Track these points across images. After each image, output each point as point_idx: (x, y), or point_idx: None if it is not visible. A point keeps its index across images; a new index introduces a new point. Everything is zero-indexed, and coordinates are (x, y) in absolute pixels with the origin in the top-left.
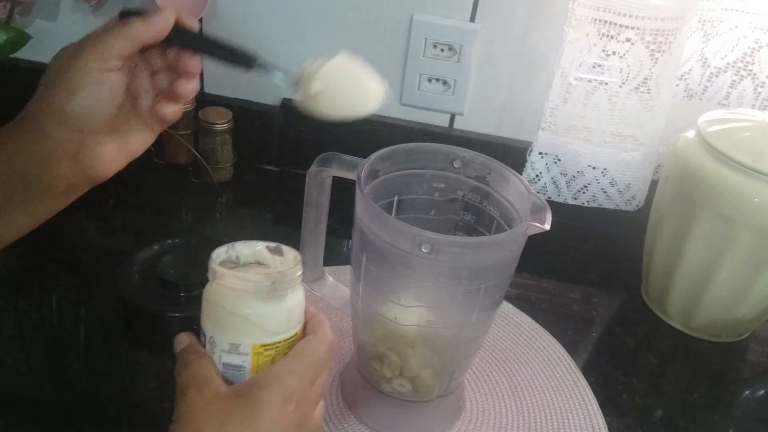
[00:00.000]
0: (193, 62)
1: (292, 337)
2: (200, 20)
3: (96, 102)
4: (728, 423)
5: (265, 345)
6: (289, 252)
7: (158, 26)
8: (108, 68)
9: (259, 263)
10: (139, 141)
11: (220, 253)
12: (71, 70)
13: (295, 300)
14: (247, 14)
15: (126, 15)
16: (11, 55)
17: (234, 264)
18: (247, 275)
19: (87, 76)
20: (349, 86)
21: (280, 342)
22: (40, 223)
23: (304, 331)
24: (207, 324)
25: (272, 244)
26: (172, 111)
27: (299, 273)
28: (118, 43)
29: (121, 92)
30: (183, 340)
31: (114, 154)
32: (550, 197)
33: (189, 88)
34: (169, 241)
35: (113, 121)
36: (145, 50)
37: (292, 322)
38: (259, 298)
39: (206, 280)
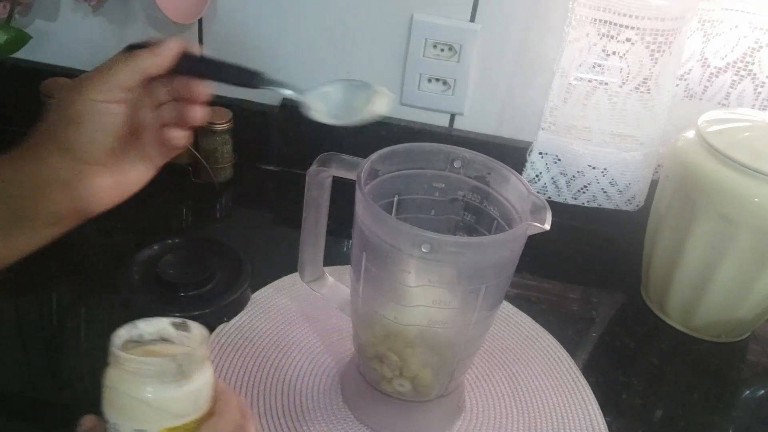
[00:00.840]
0: (202, 88)
1: (200, 417)
2: (200, 21)
3: (97, 133)
4: (728, 423)
5: (171, 429)
6: (195, 327)
7: (163, 56)
8: (111, 99)
9: (164, 340)
10: (136, 175)
11: (121, 334)
12: (74, 100)
13: (202, 380)
14: (246, 14)
15: (132, 48)
16: (11, 55)
17: (137, 343)
18: (151, 359)
19: (89, 106)
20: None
21: (188, 424)
22: (17, 258)
23: (215, 409)
24: (109, 410)
25: (178, 320)
26: (180, 136)
27: (206, 352)
28: (122, 75)
29: (122, 124)
30: (87, 423)
31: (110, 187)
32: (550, 197)
33: (199, 114)
34: (169, 241)
35: (112, 153)
36: (150, 82)
37: (200, 403)
38: (164, 381)
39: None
